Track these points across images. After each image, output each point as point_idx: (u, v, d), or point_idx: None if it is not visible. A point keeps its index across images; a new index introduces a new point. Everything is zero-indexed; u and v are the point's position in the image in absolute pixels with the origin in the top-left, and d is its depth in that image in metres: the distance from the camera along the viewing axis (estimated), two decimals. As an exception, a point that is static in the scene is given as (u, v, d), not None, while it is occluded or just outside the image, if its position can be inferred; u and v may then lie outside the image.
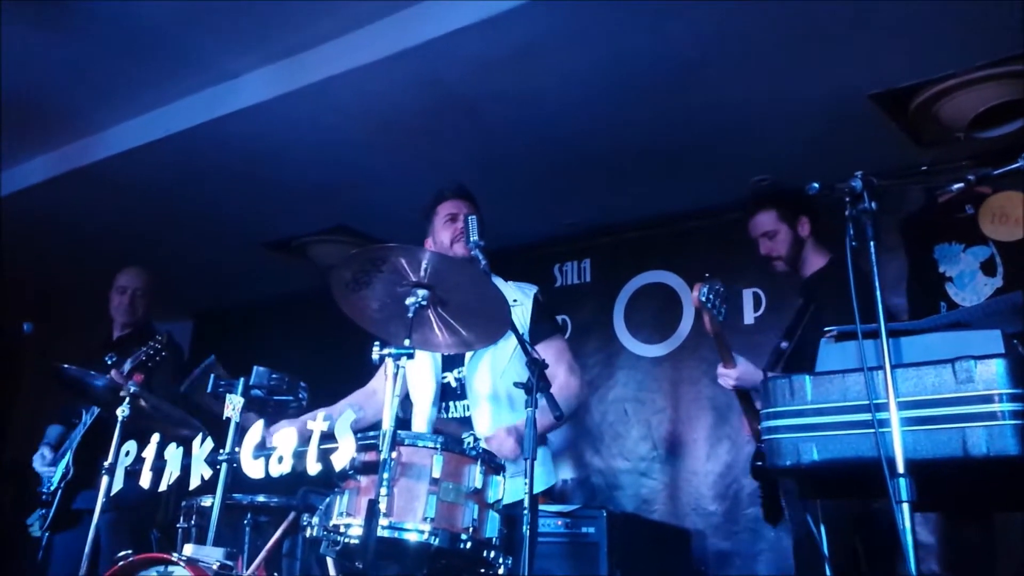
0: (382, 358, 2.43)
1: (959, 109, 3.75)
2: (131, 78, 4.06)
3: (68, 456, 3.69)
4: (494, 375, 3.05)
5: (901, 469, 1.81)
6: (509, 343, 3.04)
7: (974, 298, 4.19)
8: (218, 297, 6.99)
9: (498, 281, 3.18)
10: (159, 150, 4.42)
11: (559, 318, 5.49)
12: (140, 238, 5.56)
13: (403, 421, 3.21)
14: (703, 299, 2.97)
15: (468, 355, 3.05)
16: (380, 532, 2.30)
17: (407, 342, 2.45)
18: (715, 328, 3.02)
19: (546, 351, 3.07)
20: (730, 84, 3.85)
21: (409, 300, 2.52)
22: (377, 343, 2.45)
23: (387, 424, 2.33)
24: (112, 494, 2.97)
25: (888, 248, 4.41)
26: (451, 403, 3.10)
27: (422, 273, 2.51)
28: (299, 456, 2.45)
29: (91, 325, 4.44)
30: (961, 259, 4.29)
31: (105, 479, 2.99)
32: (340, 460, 2.37)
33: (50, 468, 3.87)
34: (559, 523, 4.40)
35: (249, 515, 3.17)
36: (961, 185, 2.24)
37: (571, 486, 5.20)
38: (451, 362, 3.12)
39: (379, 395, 3.25)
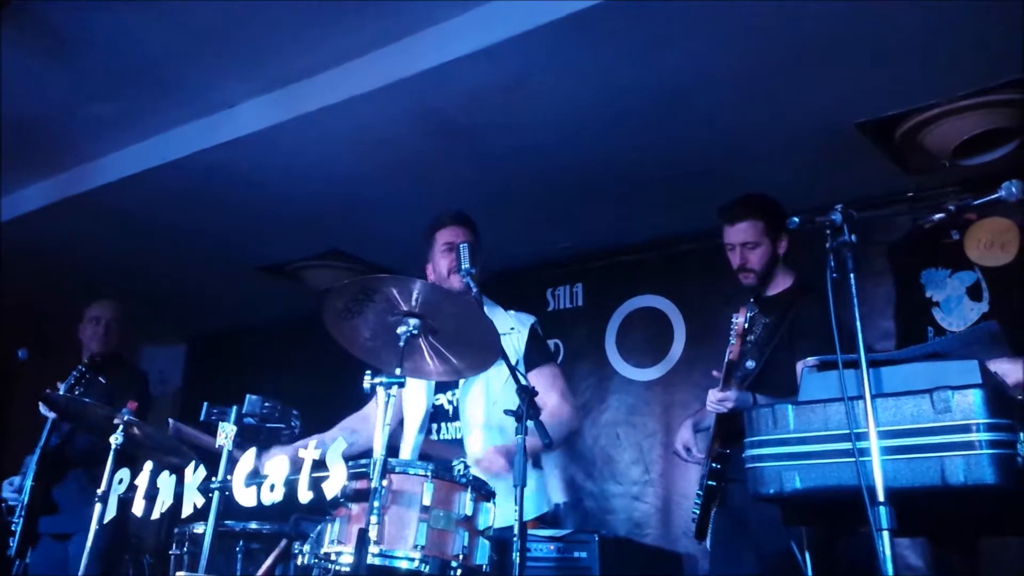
0: (373, 387, 2.47)
1: (944, 137, 3.82)
2: (126, 107, 4.10)
3: (28, 480, 3.71)
4: (487, 401, 3.07)
5: (881, 497, 1.83)
6: (503, 369, 3.06)
7: (960, 323, 4.23)
8: (212, 322, 7.01)
9: (496, 309, 3.25)
10: (153, 178, 4.46)
11: (552, 343, 5.52)
12: (134, 264, 5.60)
13: (392, 446, 3.27)
14: (747, 325, 2.98)
15: (462, 380, 3.07)
16: (370, 560, 2.32)
17: (398, 371, 2.49)
18: (736, 355, 3.03)
19: (539, 378, 3.12)
20: (720, 112, 3.92)
21: (400, 329, 2.55)
22: (368, 372, 2.49)
23: (378, 452, 2.37)
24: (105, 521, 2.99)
25: (875, 273, 4.46)
26: (444, 424, 3.14)
27: (413, 303, 2.54)
28: (291, 484, 2.49)
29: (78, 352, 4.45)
30: (947, 284, 4.33)
31: (98, 506, 3.01)
32: (331, 488, 2.41)
33: (15, 495, 3.89)
34: (551, 548, 4.40)
35: (241, 542, 3.18)
36: (942, 216, 2.28)
37: (563, 510, 5.21)
38: (444, 386, 3.15)
39: (373, 420, 3.24)
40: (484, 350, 2.68)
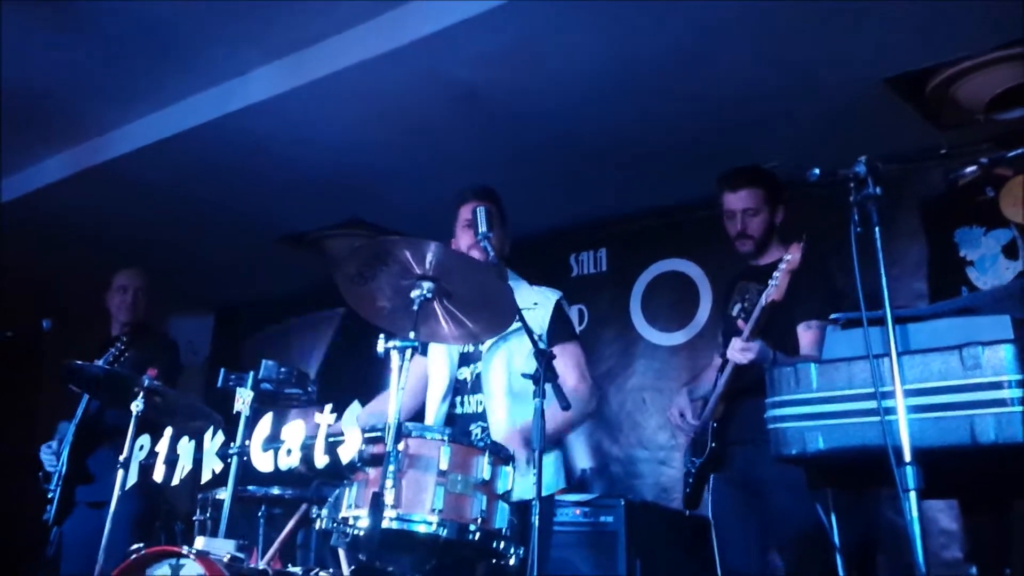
0: (387, 351, 2.45)
1: (976, 91, 3.69)
2: (138, 77, 4.08)
3: (65, 451, 3.74)
4: (509, 373, 3.04)
5: (908, 457, 1.77)
6: (524, 342, 3.01)
7: (996, 282, 4.10)
8: (238, 293, 7.04)
9: (521, 283, 3.22)
10: (170, 148, 4.44)
11: (576, 308, 5.47)
12: (158, 236, 5.60)
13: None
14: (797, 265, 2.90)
15: (484, 351, 3.05)
16: (388, 524, 2.31)
17: (412, 335, 2.46)
18: (780, 295, 2.95)
19: (560, 356, 2.99)
20: (742, 70, 3.80)
21: (414, 293, 2.52)
22: (383, 335, 2.46)
23: (392, 416, 2.35)
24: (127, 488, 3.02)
25: (907, 233, 4.35)
26: (465, 396, 3.11)
27: (427, 266, 2.50)
28: (308, 449, 2.49)
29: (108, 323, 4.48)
30: (982, 242, 4.20)
31: (120, 473, 3.03)
32: (347, 453, 2.39)
33: (53, 462, 3.92)
34: (577, 512, 4.39)
35: (263, 507, 3.20)
36: (974, 168, 2.20)
37: (590, 475, 5.19)
38: (467, 359, 3.13)
39: (404, 396, 3.24)
40: (499, 313, 2.64)
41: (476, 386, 3.08)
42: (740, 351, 2.99)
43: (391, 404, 2.37)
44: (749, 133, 4.22)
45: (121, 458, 3.04)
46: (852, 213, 1.98)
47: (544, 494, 3.01)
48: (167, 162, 4.63)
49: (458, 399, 3.11)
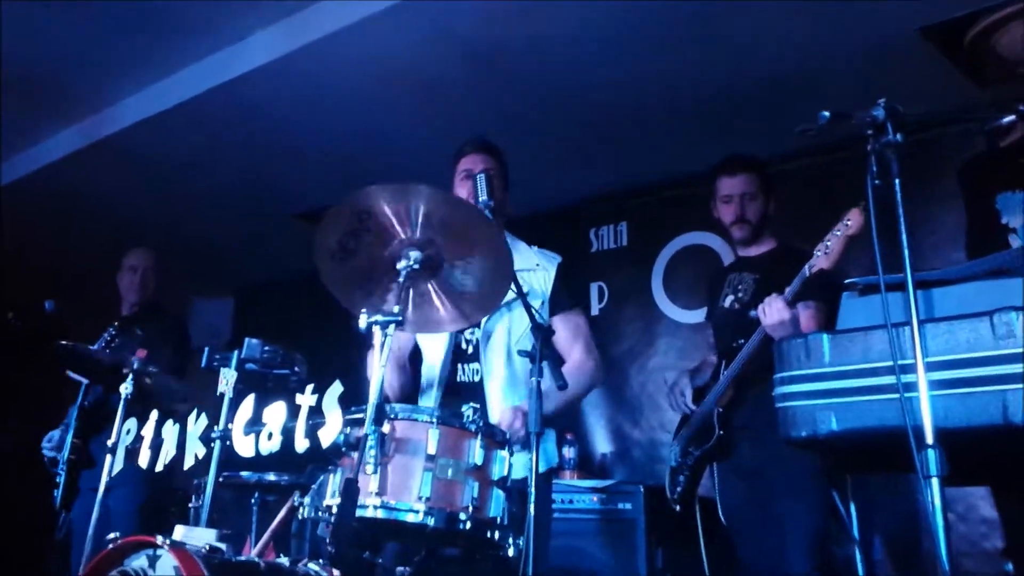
0: (369, 327, 2.29)
1: (1018, 41, 3.41)
2: (137, 47, 3.97)
3: (69, 436, 3.66)
4: (509, 342, 2.89)
5: (930, 439, 1.56)
6: (525, 313, 2.86)
7: (1040, 250, 3.83)
8: (257, 273, 6.95)
9: (519, 244, 3.07)
10: (173, 119, 4.34)
11: (595, 285, 5.28)
12: (169, 215, 5.53)
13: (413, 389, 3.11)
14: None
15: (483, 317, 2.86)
16: (373, 513, 2.17)
17: (396, 308, 2.29)
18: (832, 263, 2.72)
19: (564, 324, 2.97)
20: (766, 25, 3.59)
21: (400, 264, 2.37)
22: (364, 310, 2.29)
23: (373, 397, 2.19)
24: (113, 473, 2.91)
25: (945, 197, 4.06)
26: (463, 365, 2.95)
27: (414, 220, 2.32)
28: (288, 432, 2.34)
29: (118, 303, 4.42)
30: (1025, 208, 3.92)
31: (108, 458, 2.92)
32: (327, 436, 2.24)
33: (53, 451, 3.86)
34: (594, 499, 4.24)
35: (256, 494, 3.08)
36: (1012, 118, 1.96)
37: (610, 460, 5.01)
38: None
39: (396, 367, 3.10)
40: (496, 276, 2.44)
41: (475, 354, 2.92)
42: (777, 311, 2.77)
43: (373, 384, 2.21)
44: (777, 92, 4.00)
45: (109, 442, 2.93)
46: (869, 162, 1.76)
47: (546, 467, 2.91)
48: (172, 134, 4.53)
49: (458, 366, 2.95)
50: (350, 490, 2.01)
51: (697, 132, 4.51)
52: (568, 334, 2.96)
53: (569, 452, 4.59)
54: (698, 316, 4.94)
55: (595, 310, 5.26)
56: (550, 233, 5.12)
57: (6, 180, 5.02)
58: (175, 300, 6.93)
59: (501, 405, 2.80)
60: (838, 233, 2.65)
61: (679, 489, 3.40)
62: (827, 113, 1.76)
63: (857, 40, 3.62)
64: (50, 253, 5.63)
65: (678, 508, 3.47)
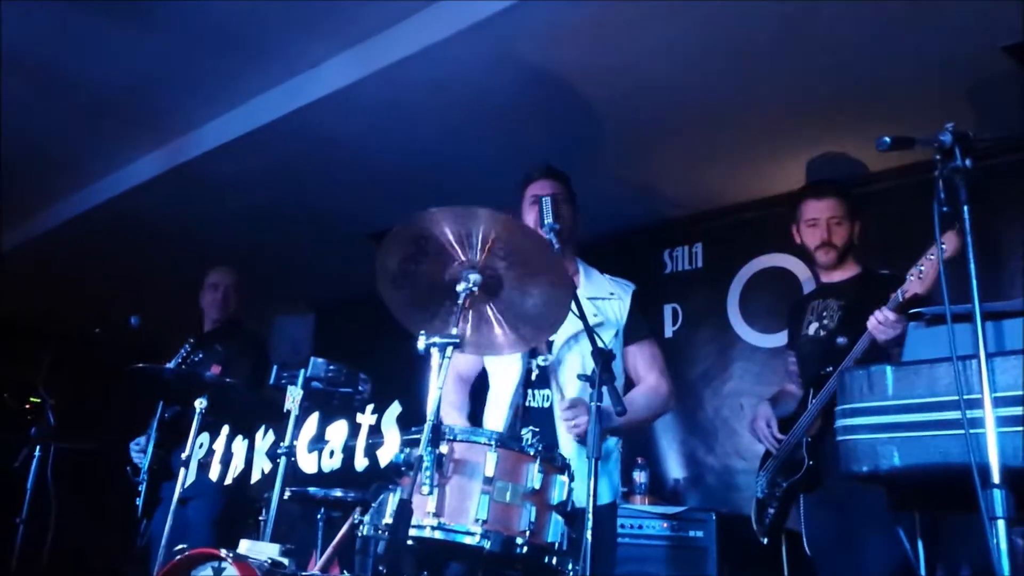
0: (427, 348, 2.31)
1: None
2: (217, 75, 4.10)
3: (150, 447, 3.79)
4: (582, 369, 2.84)
5: (996, 478, 1.49)
6: (605, 336, 2.87)
7: None
8: (337, 289, 7.07)
9: (593, 272, 3.10)
10: (251, 143, 4.46)
11: (669, 307, 5.21)
12: (249, 235, 5.68)
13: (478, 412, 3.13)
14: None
15: (556, 346, 2.87)
16: (431, 533, 2.19)
17: (454, 330, 2.31)
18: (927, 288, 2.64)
19: (640, 353, 3.00)
20: (843, 42, 3.48)
21: (460, 286, 2.39)
22: (423, 332, 2.32)
23: (430, 418, 2.20)
24: (187, 485, 3.00)
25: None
26: (532, 391, 2.93)
27: (474, 243, 2.35)
28: (349, 450, 2.38)
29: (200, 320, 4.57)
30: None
31: (183, 470, 3.02)
32: (385, 455, 2.27)
33: (141, 455, 3.99)
34: (664, 525, 4.16)
35: (323, 509, 3.13)
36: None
37: (683, 485, 4.91)
38: (536, 348, 2.92)
39: (461, 375, 3.13)
40: (556, 301, 2.44)
41: (543, 380, 2.90)
42: (884, 321, 2.72)
43: (429, 404, 2.23)
44: (855, 112, 3.88)
45: (184, 455, 3.03)
46: (937, 188, 1.69)
47: (616, 496, 2.88)
48: (250, 157, 4.66)
49: (529, 391, 2.93)
50: (403, 511, 2.02)
51: (773, 152, 4.41)
52: (645, 362, 2.99)
53: (640, 476, 4.52)
54: (775, 340, 4.83)
55: (669, 332, 5.18)
56: (623, 255, 5.13)
57: (95, 201, 5.26)
58: (258, 317, 7.18)
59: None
60: (932, 257, 2.57)
61: (767, 521, 3.33)
62: (888, 139, 1.70)
63: (938, 57, 3.48)
64: (136, 272, 5.87)
65: (765, 540, 3.39)
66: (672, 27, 3.46)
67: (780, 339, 4.80)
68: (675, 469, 4.95)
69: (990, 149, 2.24)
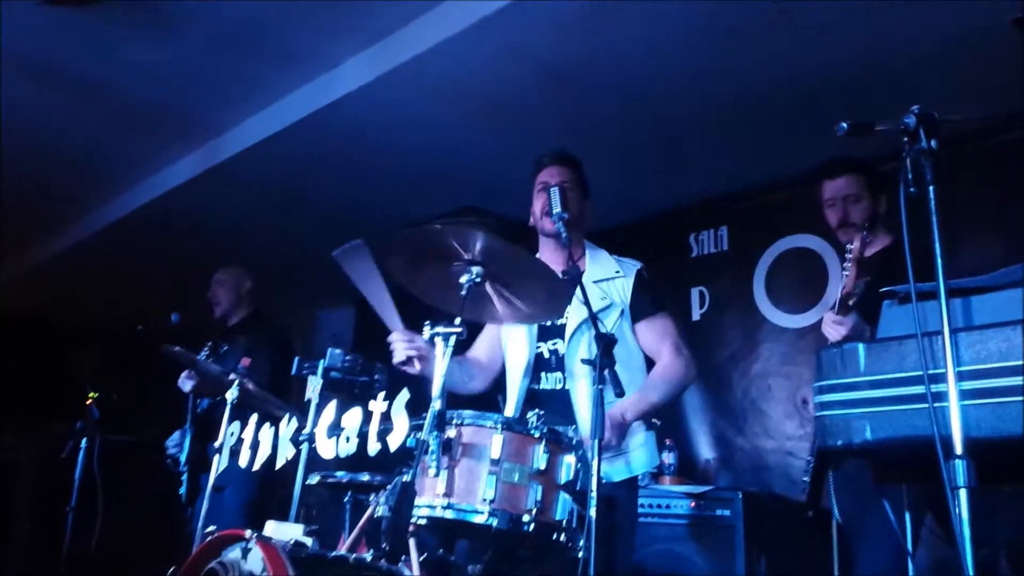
0: (432, 337, 2.42)
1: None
2: (242, 77, 4.25)
3: (187, 438, 3.96)
4: (590, 351, 2.92)
5: (959, 449, 1.54)
6: (610, 318, 2.94)
7: None
8: (373, 282, 7.23)
9: (599, 253, 3.13)
10: (279, 143, 4.61)
11: (696, 290, 5.25)
12: (282, 232, 5.90)
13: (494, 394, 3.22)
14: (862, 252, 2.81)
15: (568, 328, 2.94)
16: (441, 513, 2.31)
17: (457, 320, 2.42)
18: (850, 284, 2.84)
19: (649, 329, 3.00)
20: (847, 20, 3.48)
21: (463, 278, 2.48)
22: (428, 322, 2.44)
23: (435, 404, 2.31)
24: (219, 472, 3.15)
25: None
26: (544, 374, 3.01)
27: (475, 254, 2.45)
28: (363, 436, 2.50)
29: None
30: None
31: (216, 458, 3.17)
32: (395, 441, 2.38)
33: (176, 448, 4.17)
34: (691, 504, 4.21)
35: (349, 493, 3.25)
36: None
37: (714, 466, 4.96)
38: (547, 333, 3.02)
39: (486, 362, 3.23)
40: (551, 299, 2.54)
41: (558, 363, 2.97)
42: (831, 324, 2.85)
43: (434, 391, 2.34)
44: (862, 93, 3.85)
45: (215, 444, 3.18)
46: (904, 170, 1.74)
47: (637, 472, 2.94)
48: (279, 157, 4.81)
49: (540, 375, 3.02)
50: (406, 492, 2.13)
51: (794, 132, 4.40)
52: (653, 337, 2.99)
53: (668, 458, 4.57)
54: (801, 321, 4.84)
55: (696, 315, 5.22)
56: (650, 240, 5.17)
57: (135, 204, 5.50)
58: (302, 312, 7.39)
59: (587, 413, 2.84)
60: (849, 256, 2.83)
61: (803, 490, 3.34)
62: (845, 124, 1.75)
63: (949, 33, 3.47)
64: (177, 270, 6.08)
65: (809, 513, 3.43)
66: (687, 10, 3.48)
67: (806, 319, 4.83)
68: (705, 450, 5.00)
69: (958, 128, 2.26)
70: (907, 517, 2.11)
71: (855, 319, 2.76)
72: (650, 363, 3.03)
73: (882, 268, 3.08)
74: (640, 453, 2.92)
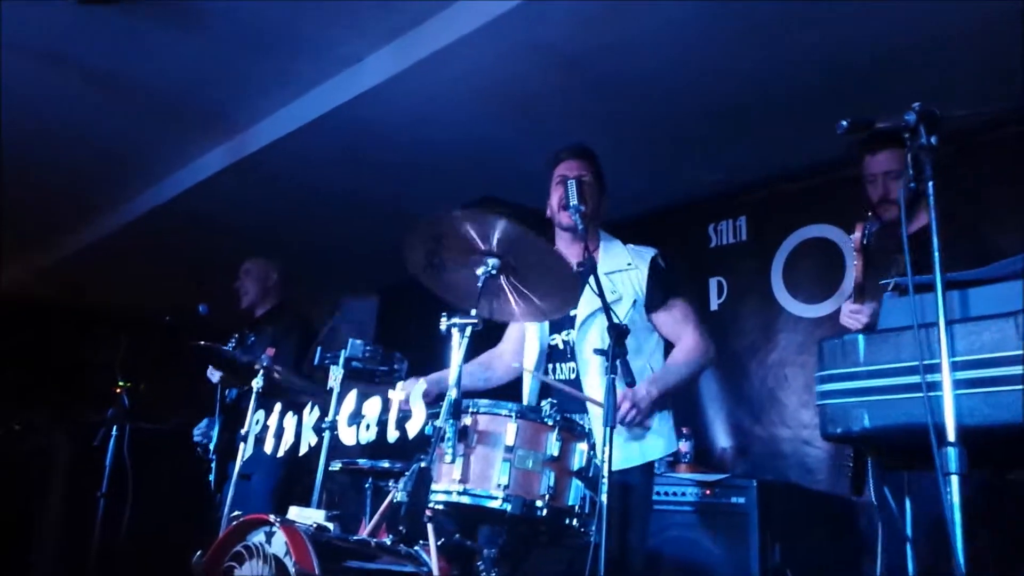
0: (449, 328, 2.49)
1: None
2: (268, 73, 4.33)
3: (215, 427, 4.07)
4: (603, 341, 2.99)
5: (952, 437, 1.59)
6: (622, 308, 2.99)
7: None
8: (399, 273, 7.29)
9: (614, 244, 3.17)
10: (304, 137, 4.69)
11: (715, 280, 5.28)
12: (308, 224, 6.02)
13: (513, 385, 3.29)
14: (864, 242, 2.78)
15: (578, 320, 3.00)
16: (457, 498, 2.38)
17: (473, 312, 2.49)
18: (860, 273, 2.83)
19: (669, 316, 3.04)
20: (859, 11, 3.49)
21: (479, 270, 2.55)
22: (444, 314, 2.51)
23: (452, 393, 2.39)
24: (245, 459, 3.25)
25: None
26: (558, 364, 3.08)
27: (492, 243, 2.52)
28: (383, 424, 2.59)
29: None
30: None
31: (242, 445, 3.27)
32: (413, 428, 2.46)
33: (205, 437, 4.27)
34: (707, 492, 4.26)
35: (370, 479, 3.34)
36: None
37: (730, 454, 5.00)
38: (559, 324, 3.08)
39: (506, 356, 3.31)
40: (565, 290, 2.61)
41: (572, 353, 3.03)
42: (849, 314, 2.84)
43: (451, 380, 2.42)
44: (875, 84, 3.86)
45: (242, 431, 3.28)
46: (906, 165, 1.79)
47: (654, 458, 2.99)
48: (305, 150, 4.89)
49: (551, 366, 3.09)
50: (423, 477, 2.21)
51: (812, 122, 4.39)
52: (677, 322, 3.02)
53: (684, 446, 4.61)
54: (819, 311, 4.87)
55: (714, 305, 5.25)
56: (668, 231, 5.21)
57: (165, 197, 5.63)
58: (327, 302, 7.50)
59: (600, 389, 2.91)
60: (852, 246, 2.82)
61: (847, 474, 3.36)
62: (845, 123, 1.79)
63: (959, 25, 3.48)
64: (205, 262, 6.21)
65: (855, 498, 3.44)
66: (682, 7, 3.52)
67: (823, 309, 4.85)
68: (722, 438, 5.04)
69: (959, 124, 2.29)
70: (907, 503, 2.16)
71: (874, 306, 2.75)
72: (665, 353, 3.07)
73: (921, 248, 3.05)
74: (655, 438, 2.95)
